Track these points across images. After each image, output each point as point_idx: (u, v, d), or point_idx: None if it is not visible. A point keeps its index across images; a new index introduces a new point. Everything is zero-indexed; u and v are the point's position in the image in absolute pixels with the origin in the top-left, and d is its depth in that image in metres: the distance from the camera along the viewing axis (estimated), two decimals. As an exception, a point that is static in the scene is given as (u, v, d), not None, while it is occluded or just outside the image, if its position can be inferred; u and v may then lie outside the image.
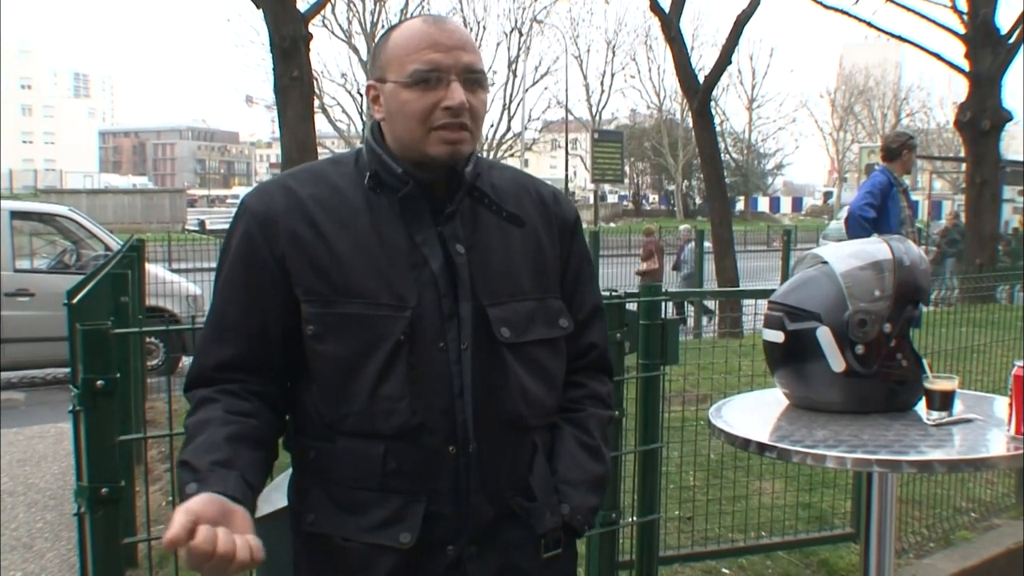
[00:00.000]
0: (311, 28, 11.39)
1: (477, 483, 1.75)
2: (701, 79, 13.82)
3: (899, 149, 7.13)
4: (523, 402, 1.79)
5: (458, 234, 1.77)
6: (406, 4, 44.27)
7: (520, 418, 1.79)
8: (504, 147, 54.41)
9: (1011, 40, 15.27)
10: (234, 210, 1.88)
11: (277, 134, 11.91)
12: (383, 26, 39.78)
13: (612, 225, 46.17)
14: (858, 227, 6.69)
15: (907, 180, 7.49)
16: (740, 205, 62.59)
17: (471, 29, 50.74)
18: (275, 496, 2.07)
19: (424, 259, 1.74)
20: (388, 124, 1.78)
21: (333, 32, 44.49)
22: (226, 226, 1.85)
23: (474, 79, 1.75)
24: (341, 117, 45.68)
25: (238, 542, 1.48)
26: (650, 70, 70.39)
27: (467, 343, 1.74)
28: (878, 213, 6.84)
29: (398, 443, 1.71)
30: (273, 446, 1.79)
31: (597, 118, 60.90)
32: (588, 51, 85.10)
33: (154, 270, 10.33)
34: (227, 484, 1.60)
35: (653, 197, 76.94)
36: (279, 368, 1.80)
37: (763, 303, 2.62)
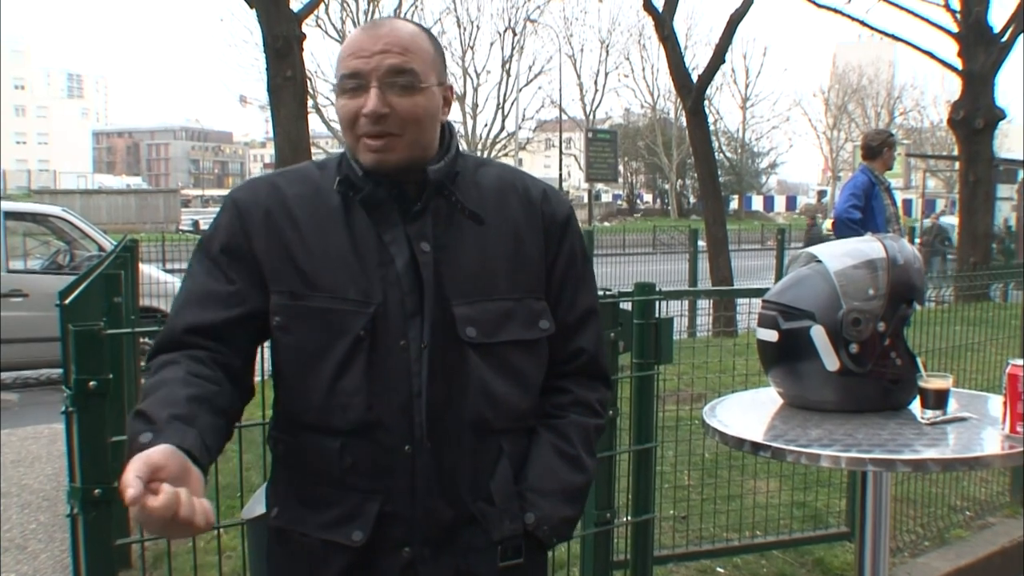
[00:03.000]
0: (304, 28, 11.37)
1: (434, 484, 1.73)
2: (695, 78, 13.80)
3: (879, 147, 7.13)
4: (486, 404, 1.76)
5: (425, 233, 1.76)
6: (399, 3, 44.28)
7: (483, 420, 1.76)
8: (498, 147, 54.43)
9: (1004, 39, 15.27)
10: None
11: (271, 134, 11.91)
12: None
13: (607, 224, 46.19)
14: (846, 230, 6.70)
15: (901, 180, 7.51)
16: (734, 204, 62.59)
17: (464, 29, 50.87)
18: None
19: (391, 258, 1.74)
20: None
21: (327, 32, 44.50)
22: None
23: (400, 82, 1.70)
24: (335, 117, 45.56)
25: (196, 507, 1.41)
26: (644, 69, 70.33)
27: (426, 342, 1.73)
28: (863, 213, 6.85)
29: (354, 439, 1.72)
30: (232, 419, 1.72)
31: (591, 117, 60.93)
32: (582, 50, 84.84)
33: (148, 270, 10.29)
34: (185, 439, 1.51)
35: (647, 196, 76.95)
36: (247, 345, 1.79)
37: (757, 302, 2.62)
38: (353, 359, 1.71)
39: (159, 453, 1.44)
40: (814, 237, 19.85)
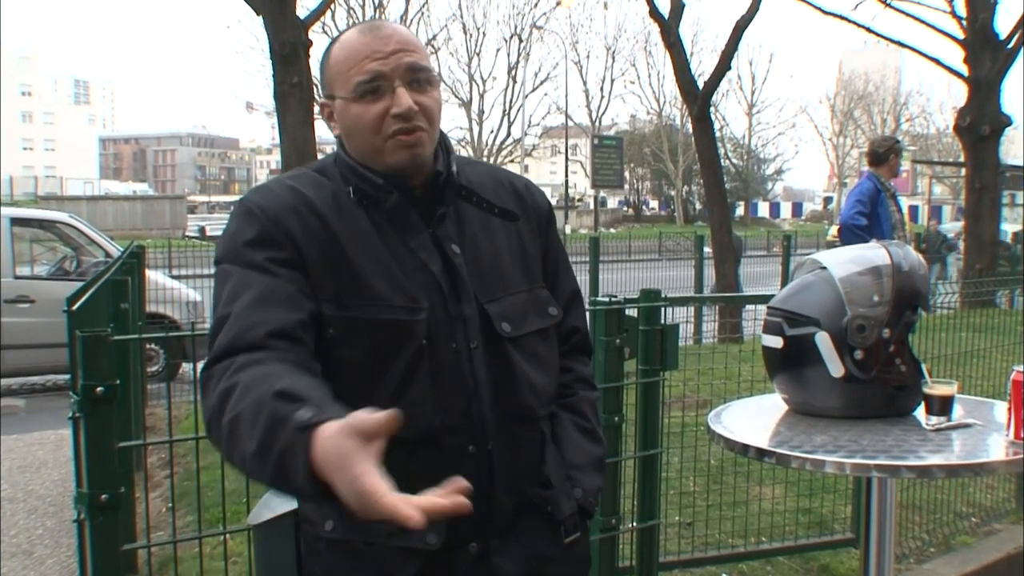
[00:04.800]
0: (311, 34, 11.40)
1: (496, 478, 1.77)
2: (701, 85, 13.82)
3: (886, 154, 7.14)
4: (531, 394, 1.82)
5: (451, 235, 1.78)
6: (405, 10, 44.36)
7: (530, 410, 1.82)
8: (504, 153, 54.48)
9: (1010, 45, 15.25)
10: None
11: (277, 140, 11.91)
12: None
13: (612, 231, 46.16)
14: (852, 236, 6.70)
15: (907, 174, 7.54)
16: (740, 210, 62.64)
17: (470, 35, 50.90)
18: (275, 502, 2.07)
19: (423, 263, 1.74)
20: (347, 139, 1.79)
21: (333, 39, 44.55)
22: None
23: (421, 78, 1.73)
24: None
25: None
26: (650, 76, 70.34)
27: (476, 342, 1.75)
28: (869, 220, 6.86)
29: (421, 447, 1.70)
30: None
31: (597, 124, 60.94)
32: (588, 57, 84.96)
33: (154, 276, 10.32)
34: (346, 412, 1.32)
35: (653, 203, 76.93)
36: (316, 351, 1.66)
37: (763, 308, 2.62)
38: (418, 367, 1.70)
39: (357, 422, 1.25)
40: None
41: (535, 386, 1.82)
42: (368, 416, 1.23)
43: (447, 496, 1.26)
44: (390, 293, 1.70)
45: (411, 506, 1.20)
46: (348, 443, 1.23)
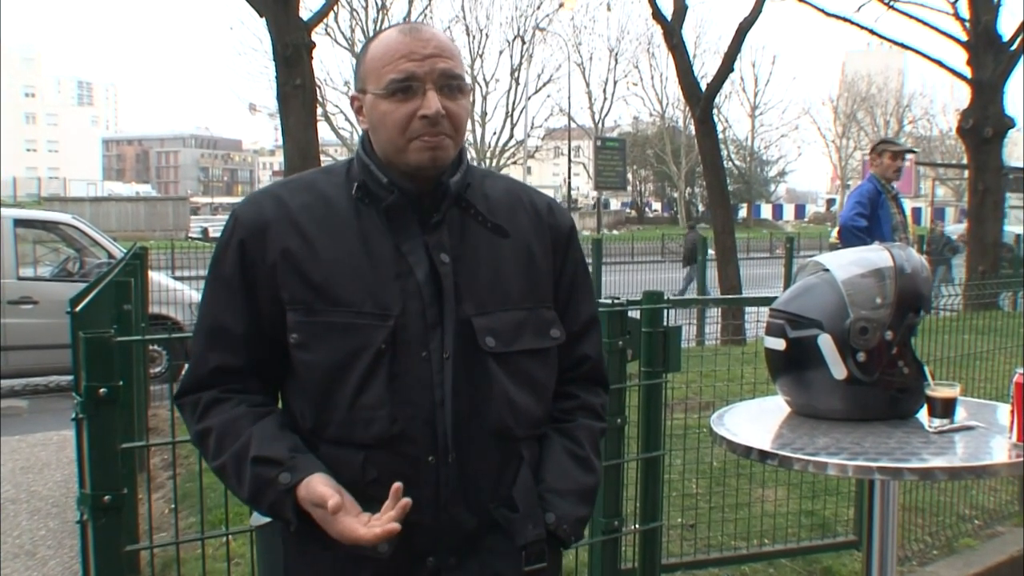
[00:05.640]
0: (314, 36, 11.40)
1: (457, 494, 1.74)
2: (703, 86, 13.82)
3: (871, 155, 7.20)
4: (509, 412, 1.78)
5: (443, 244, 1.77)
6: (408, 12, 44.38)
7: (506, 428, 1.79)
8: (507, 154, 54.50)
9: (1013, 47, 15.24)
10: None
11: (280, 142, 11.91)
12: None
13: (615, 232, 46.17)
14: (852, 238, 6.69)
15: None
16: (743, 212, 62.64)
17: (474, 37, 50.99)
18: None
19: (410, 268, 1.74)
20: (372, 134, 1.81)
21: (336, 40, 44.58)
22: None
23: (452, 85, 1.75)
24: (344, 125, 45.67)
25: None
26: (652, 78, 70.60)
27: (449, 352, 1.74)
28: (869, 221, 6.84)
29: (377, 452, 1.72)
30: None
31: (600, 125, 60.93)
32: (591, 59, 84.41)
33: (157, 278, 10.33)
34: (318, 464, 1.69)
35: (656, 204, 76.95)
36: (272, 374, 1.82)
37: (765, 311, 2.62)
38: (374, 373, 1.71)
39: (320, 482, 1.65)
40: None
41: (515, 405, 1.79)
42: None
43: (392, 507, 1.60)
44: (359, 299, 1.72)
45: (367, 528, 1.61)
46: (324, 490, 1.64)
